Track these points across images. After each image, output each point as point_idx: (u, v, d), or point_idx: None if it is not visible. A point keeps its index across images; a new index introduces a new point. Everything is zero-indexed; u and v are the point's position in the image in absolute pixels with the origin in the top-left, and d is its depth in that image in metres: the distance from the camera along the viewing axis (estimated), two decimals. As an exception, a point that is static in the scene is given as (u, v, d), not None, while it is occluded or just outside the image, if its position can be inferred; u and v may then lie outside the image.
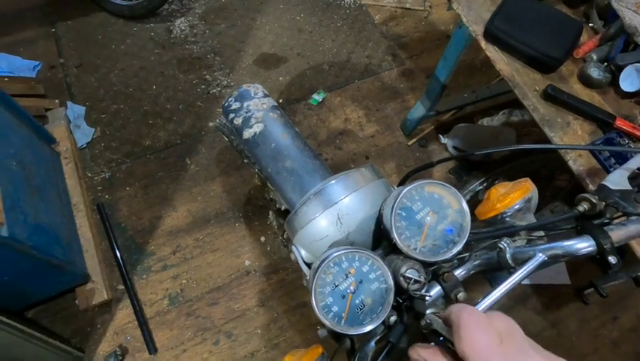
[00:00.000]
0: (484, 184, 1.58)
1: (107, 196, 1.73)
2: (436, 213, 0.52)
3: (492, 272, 0.52)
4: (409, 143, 1.94)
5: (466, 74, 2.07)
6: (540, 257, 0.48)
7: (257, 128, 0.90)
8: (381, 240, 0.60)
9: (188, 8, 2.25)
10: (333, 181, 0.62)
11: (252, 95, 0.95)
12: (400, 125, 1.98)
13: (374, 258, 0.50)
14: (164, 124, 1.91)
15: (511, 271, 0.52)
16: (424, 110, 1.76)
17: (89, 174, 1.77)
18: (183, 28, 2.18)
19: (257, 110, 0.92)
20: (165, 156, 1.84)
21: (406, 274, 0.49)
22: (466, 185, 1.66)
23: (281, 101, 2.01)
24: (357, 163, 1.88)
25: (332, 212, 0.59)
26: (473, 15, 1.21)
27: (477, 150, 0.71)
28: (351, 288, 0.50)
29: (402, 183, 0.69)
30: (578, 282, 1.61)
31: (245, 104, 0.94)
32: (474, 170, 1.74)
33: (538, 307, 1.63)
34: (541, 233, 0.57)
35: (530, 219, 0.57)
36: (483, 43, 1.18)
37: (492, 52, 1.17)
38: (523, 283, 1.63)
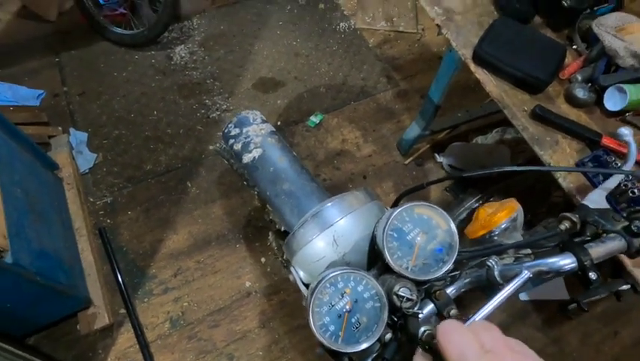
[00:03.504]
0: (480, 202, 1.61)
1: (108, 220, 1.76)
2: (425, 233, 0.55)
3: (484, 289, 0.55)
4: (406, 162, 1.98)
5: (460, 94, 2.12)
6: (526, 274, 0.51)
7: (256, 153, 0.93)
8: (375, 260, 0.62)
9: (188, 36, 2.32)
10: (329, 204, 0.65)
11: (251, 121, 0.99)
12: (396, 144, 2.02)
13: (368, 278, 0.53)
14: (165, 148, 1.95)
15: (499, 287, 0.54)
16: (419, 130, 1.80)
17: (91, 199, 1.80)
18: (183, 55, 2.25)
19: (256, 136, 0.96)
20: (166, 179, 1.87)
21: (399, 293, 0.51)
22: (462, 203, 1.68)
23: (279, 123, 2.06)
24: (355, 183, 1.91)
25: (328, 234, 0.62)
26: (462, 40, 1.26)
27: (469, 169, 0.74)
28: (347, 307, 0.52)
29: (395, 204, 0.71)
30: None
31: (244, 130, 0.97)
32: (470, 187, 1.77)
33: (539, 324, 1.63)
34: (529, 251, 0.59)
35: (517, 237, 0.60)
36: (472, 67, 1.23)
37: (481, 74, 1.22)
38: (522, 299, 1.64)
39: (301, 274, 0.64)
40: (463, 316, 0.55)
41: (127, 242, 1.72)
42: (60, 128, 1.91)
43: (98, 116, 2.01)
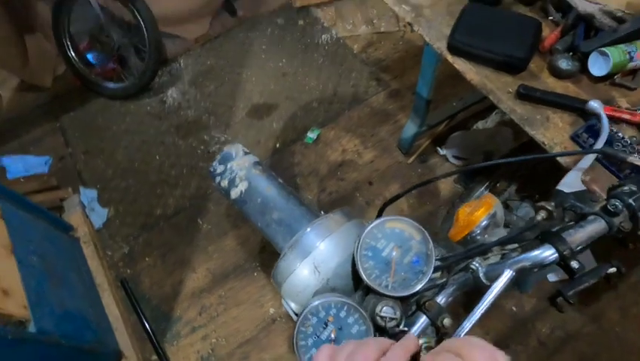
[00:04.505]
0: (488, 189, 1.57)
1: (128, 271, 1.79)
2: (399, 247, 0.54)
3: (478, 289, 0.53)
4: (409, 161, 1.95)
5: (450, 84, 2.08)
6: (509, 273, 0.49)
7: (242, 186, 0.94)
8: (359, 281, 0.61)
9: (177, 77, 2.38)
10: (308, 230, 0.64)
11: (234, 155, 1.00)
12: (396, 145, 2.00)
13: (349, 303, 0.52)
14: (171, 191, 1.98)
15: (487, 289, 0.53)
16: (416, 127, 1.78)
17: (109, 253, 1.84)
18: (175, 96, 2.30)
19: (240, 170, 0.96)
20: (177, 221, 1.90)
21: (381, 314, 0.50)
22: (471, 192, 1.64)
23: (278, 145, 2.07)
24: (362, 191, 1.90)
25: (308, 262, 0.61)
26: (435, 33, 1.25)
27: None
28: (332, 336, 0.51)
29: (378, 216, 0.70)
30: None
31: (228, 166, 0.98)
32: (478, 175, 1.73)
33: (574, 303, 1.56)
34: (516, 245, 0.57)
35: (500, 233, 0.58)
36: (450, 58, 1.21)
37: (460, 64, 1.19)
38: (550, 280, 1.58)
39: (292, 305, 0.64)
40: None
41: (148, 289, 1.75)
42: (70, 189, 1.98)
43: (104, 171, 2.07)
